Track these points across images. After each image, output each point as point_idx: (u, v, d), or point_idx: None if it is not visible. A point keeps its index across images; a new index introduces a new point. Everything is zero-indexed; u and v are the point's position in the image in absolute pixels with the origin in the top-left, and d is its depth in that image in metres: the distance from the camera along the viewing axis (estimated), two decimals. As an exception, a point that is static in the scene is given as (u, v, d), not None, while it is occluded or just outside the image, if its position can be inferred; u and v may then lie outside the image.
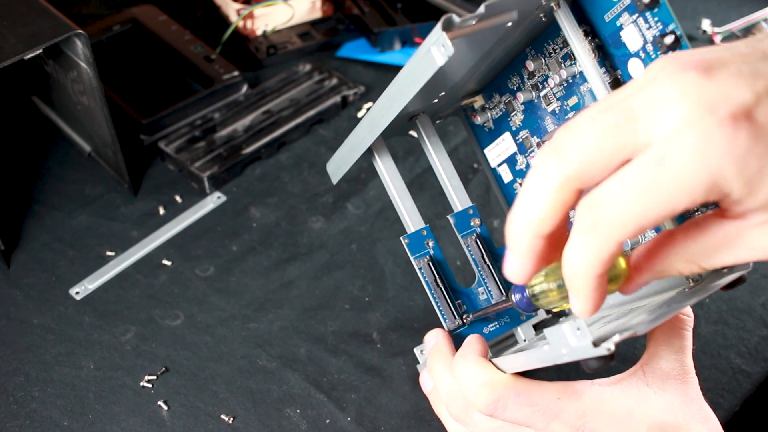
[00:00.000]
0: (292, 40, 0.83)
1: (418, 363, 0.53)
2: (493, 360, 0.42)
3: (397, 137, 0.52)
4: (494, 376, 0.41)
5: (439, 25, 0.34)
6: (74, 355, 0.56)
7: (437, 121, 0.52)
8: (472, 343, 0.44)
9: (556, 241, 0.34)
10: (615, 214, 0.30)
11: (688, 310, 0.45)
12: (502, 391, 0.40)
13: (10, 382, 0.55)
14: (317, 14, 0.85)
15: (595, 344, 0.33)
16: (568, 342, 0.34)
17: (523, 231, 0.33)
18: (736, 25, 0.84)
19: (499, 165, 0.53)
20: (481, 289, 0.48)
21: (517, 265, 0.35)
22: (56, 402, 0.54)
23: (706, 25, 0.84)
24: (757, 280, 0.62)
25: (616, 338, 0.33)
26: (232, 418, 0.53)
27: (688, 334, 0.44)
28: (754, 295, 0.61)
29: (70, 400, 0.54)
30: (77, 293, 0.60)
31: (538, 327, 0.51)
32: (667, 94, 0.29)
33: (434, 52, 0.35)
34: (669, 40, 0.39)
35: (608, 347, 0.33)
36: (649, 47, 0.41)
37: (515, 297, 0.43)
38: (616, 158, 0.30)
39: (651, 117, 0.29)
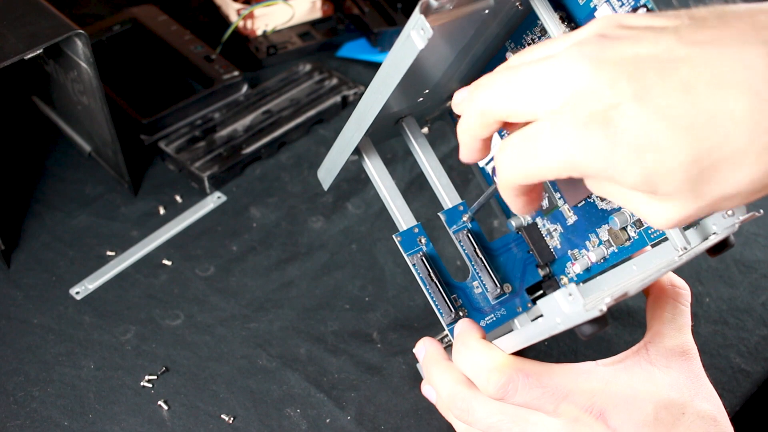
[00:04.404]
0: (292, 40, 0.83)
1: (418, 362, 0.53)
2: (494, 342, 0.42)
3: (397, 138, 0.52)
4: (502, 358, 0.41)
5: (417, 9, 0.35)
6: (74, 355, 0.56)
7: (424, 129, 0.52)
8: (469, 328, 0.44)
9: None
10: (501, 172, 0.35)
11: (684, 284, 0.46)
12: (511, 374, 0.40)
13: (10, 382, 0.55)
14: (317, 14, 0.85)
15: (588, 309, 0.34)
16: (561, 309, 0.35)
17: (467, 136, 0.38)
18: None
19: (486, 163, 0.53)
20: (475, 283, 0.49)
21: (467, 155, 0.39)
22: (56, 402, 0.54)
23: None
24: (757, 280, 0.62)
25: (608, 300, 0.34)
26: (232, 418, 0.53)
27: (688, 311, 0.46)
28: (754, 295, 0.61)
29: (70, 400, 0.54)
30: (77, 293, 0.60)
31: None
32: (554, 78, 0.33)
33: (414, 36, 0.36)
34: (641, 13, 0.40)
35: (600, 308, 0.34)
36: None
37: None
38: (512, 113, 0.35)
39: (537, 93, 0.33)
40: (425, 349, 0.48)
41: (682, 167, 0.30)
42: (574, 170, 0.32)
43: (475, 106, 0.36)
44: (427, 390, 0.49)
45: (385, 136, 0.51)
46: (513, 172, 0.34)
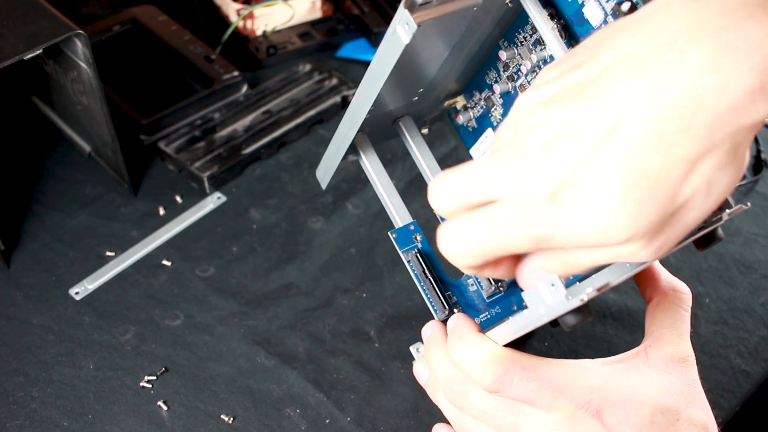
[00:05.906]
0: (292, 40, 0.83)
1: (414, 360, 0.53)
2: (487, 335, 0.43)
3: (397, 139, 0.52)
4: (498, 351, 0.41)
5: (401, 5, 0.36)
6: (74, 355, 0.56)
7: (424, 129, 0.52)
8: (464, 322, 0.44)
9: None
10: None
11: (686, 289, 0.47)
12: (508, 366, 0.40)
13: (10, 382, 0.55)
14: (317, 14, 0.85)
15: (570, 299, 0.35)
16: (544, 300, 0.36)
17: None
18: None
19: None
20: (470, 281, 0.49)
21: None
22: (56, 402, 0.54)
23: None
24: (757, 280, 0.62)
25: (589, 290, 0.34)
26: (232, 418, 0.53)
27: (689, 317, 0.46)
28: (754, 295, 0.61)
29: (70, 400, 0.54)
30: (77, 293, 0.61)
31: None
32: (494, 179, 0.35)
33: (399, 30, 0.37)
34: (626, 7, 0.40)
35: (581, 297, 0.34)
36: (610, 19, 0.42)
37: None
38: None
39: (493, 185, 0.35)
40: (431, 330, 0.47)
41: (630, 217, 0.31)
42: (543, 245, 0.34)
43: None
44: (418, 369, 0.49)
45: (384, 136, 0.51)
46: (475, 251, 0.36)
